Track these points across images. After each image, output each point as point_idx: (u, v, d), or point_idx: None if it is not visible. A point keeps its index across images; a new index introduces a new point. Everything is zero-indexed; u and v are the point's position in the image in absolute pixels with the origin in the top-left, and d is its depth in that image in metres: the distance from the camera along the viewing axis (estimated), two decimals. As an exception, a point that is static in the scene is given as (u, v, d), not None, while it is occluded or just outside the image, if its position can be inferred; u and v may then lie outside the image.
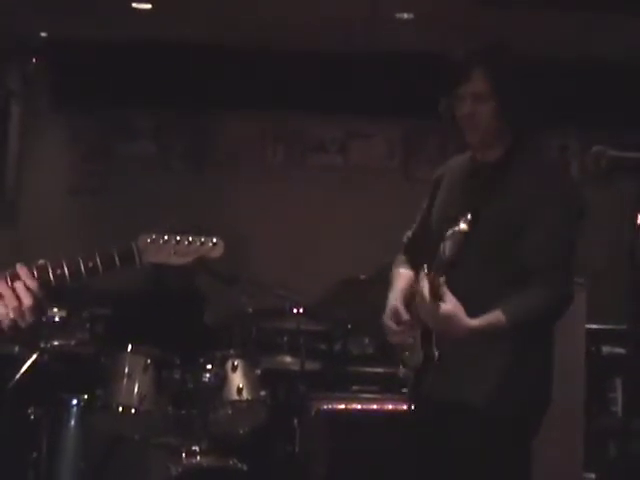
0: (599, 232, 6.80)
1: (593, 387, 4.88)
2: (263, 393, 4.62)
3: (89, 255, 2.34)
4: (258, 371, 4.69)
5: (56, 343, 5.03)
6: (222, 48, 6.55)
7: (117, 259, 2.33)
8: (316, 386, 5.05)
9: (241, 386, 4.55)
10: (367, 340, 5.71)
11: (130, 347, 4.59)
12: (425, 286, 2.65)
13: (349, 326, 5.64)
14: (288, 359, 5.36)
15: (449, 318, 2.64)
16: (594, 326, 5.17)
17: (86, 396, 4.67)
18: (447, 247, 2.55)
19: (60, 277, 2.36)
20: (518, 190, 2.87)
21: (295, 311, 5.15)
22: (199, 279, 5.62)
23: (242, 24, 6.06)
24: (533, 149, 2.99)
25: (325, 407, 4.66)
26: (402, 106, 6.32)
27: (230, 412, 4.55)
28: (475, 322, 2.68)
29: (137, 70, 6.79)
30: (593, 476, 4.94)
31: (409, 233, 3.30)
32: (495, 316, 2.71)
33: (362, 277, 5.55)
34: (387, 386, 5.12)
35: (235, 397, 4.55)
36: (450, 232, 2.56)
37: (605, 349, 5.55)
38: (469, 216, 2.52)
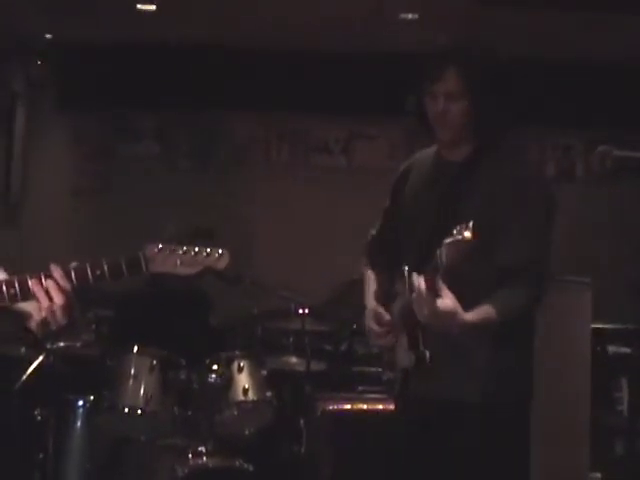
0: (604, 232, 6.83)
1: (599, 386, 4.88)
2: (269, 394, 4.62)
3: (97, 262, 2.37)
4: (264, 372, 4.69)
5: (62, 344, 5.01)
6: (226, 49, 6.56)
7: (125, 268, 2.36)
8: (322, 386, 5.05)
9: (247, 387, 4.55)
10: (372, 340, 5.70)
11: (136, 348, 4.58)
12: (421, 283, 2.64)
13: (354, 326, 5.64)
14: (294, 360, 5.34)
15: (449, 313, 2.63)
16: (599, 325, 5.17)
17: (92, 397, 4.67)
18: (444, 254, 2.53)
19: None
20: (488, 190, 2.88)
21: (300, 312, 5.17)
22: (204, 280, 5.62)
23: (246, 25, 6.07)
24: (504, 148, 2.98)
25: (331, 407, 4.67)
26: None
27: (236, 413, 4.55)
28: (471, 316, 2.69)
29: (141, 71, 6.81)
30: (599, 475, 4.94)
31: (373, 231, 3.31)
32: (486, 311, 2.72)
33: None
34: (393, 386, 5.14)
35: (241, 398, 4.55)
36: (449, 240, 2.52)
37: (611, 348, 5.55)
38: (471, 224, 2.49)
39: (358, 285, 5.64)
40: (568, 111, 6.52)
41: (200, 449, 4.47)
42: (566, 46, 5.97)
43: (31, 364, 4.75)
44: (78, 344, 5.26)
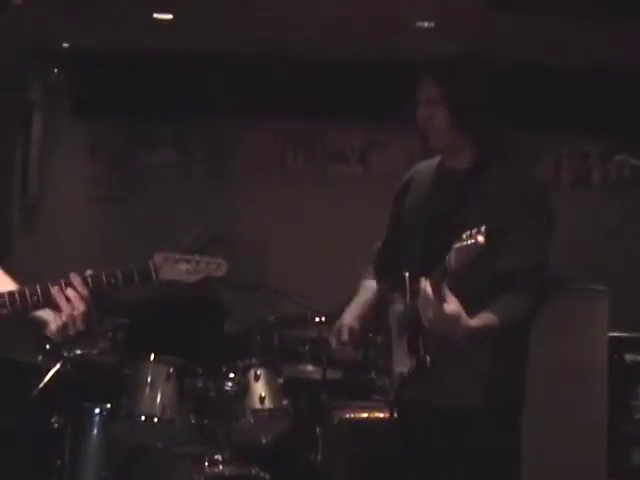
0: (621, 240, 6.80)
1: (616, 395, 4.87)
2: (285, 402, 4.63)
3: (111, 271, 2.48)
4: (280, 380, 4.70)
5: (78, 352, 5.02)
6: (242, 56, 6.56)
7: (136, 276, 2.47)
8: (338, 395, 5.05)
9: (263, 395, 4.57)
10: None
11: (153, 356, 4.61)
12: (427, 287, 2.67)
13: (370, 334, 5.64)
14: (310, 368, 5.34)
15: (454, 318, 2.66)
16: (617, 334, 5.16)
17: (109, 405, 4.68)
18: (453, 258, 2.56)
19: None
20: (489, 196, 2.90)
21: (317, 319, 5.17)
22: (220, 288, 5.64)
23: (262, 33, 6.08)
24: (504, 156, 3.00)
25: (348, 416, 4.68)
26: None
27: (252, 421, 4.56)
28: (475, 322, 2.71)
29: (157, 79, 6.82)
30: (616, 483, 4.92)
31: (379, 243, 3.34)
32: (488, 317, 2.74)
33: (383, 285, 5.57)
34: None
35: (257, 406, 4.56)
36: (459, 245, 2.55)
37: (628, 357, 5.53)
38: (483, 229, 2.51)
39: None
40: (584, 118, 6.50)
41: (216, 457, 4.47)
42: (583, 52, 5.95)
43: (48, 372, 4.75)
44: (94, 352, 5.29)
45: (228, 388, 4.61)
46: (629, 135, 6.30)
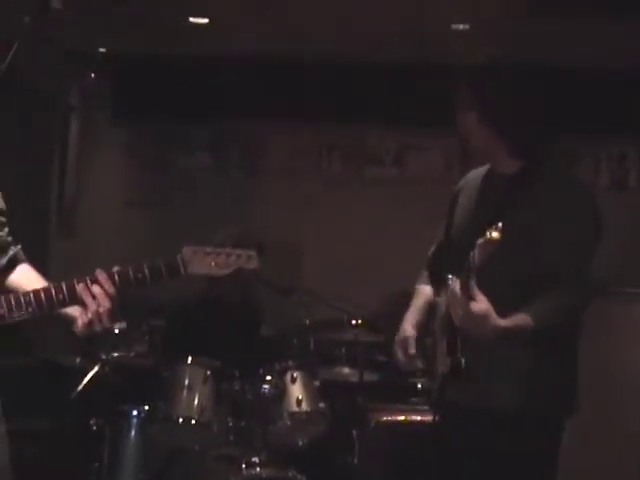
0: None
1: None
2: (322, 405, 4.64)
3: (138, 266, 2.48)
4: (317, 382, 4.71)
5: (116, 355, 5.07)
6: (277, 61, 6.59)
7: (164, 270, 2.46)
8: (374, 397, 5.06)
9: (300, 398, 4.58)
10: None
11: (190, 359, 4.63)
12: (456, 286, 2.70)
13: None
14: (346, 370, 5.36)
15: (482, 317, 2.66)
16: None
17: (147, 407, 4.72)
18: (477, 255, 2.60)
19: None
20: (535, 200, 2.92)
21: (353, 322, 5.19)
22: (256, 291, 5.66)
23: (296, 38, 6.10)
24: (551, 161, 3.03)
25: (385, 419, 4.70)
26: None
27: (289, 423, 4.57)
28: (505, 322, 2.71)
29: (193, 83, 6.85)
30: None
31: (433, 248, 3.38)
32: (522, 318, 2.73)
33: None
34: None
35: (294, 409, 4.57)
36: (481, 240, 2.59)
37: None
38: (500, 225, 2.55)
39: (409, 297, 5.65)
40: (622, 120, 6.46)
41: (254, 459, 4.50)
42: (618, 54, 5.92)
43: (87, 374, 4.83)
44: (132, 354, 5.33)
45: (265, 391, 4.61)
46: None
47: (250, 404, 4.63)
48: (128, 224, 7.11)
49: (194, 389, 4.54)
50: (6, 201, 2.70)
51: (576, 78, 6.29)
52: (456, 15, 5.61)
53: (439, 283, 3.20)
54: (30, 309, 2.44)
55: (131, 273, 2.47)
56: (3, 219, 2.70)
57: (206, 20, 5.94)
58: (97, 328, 2.46)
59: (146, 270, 2.46)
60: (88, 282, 2.45)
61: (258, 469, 4.47)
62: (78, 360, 5.16)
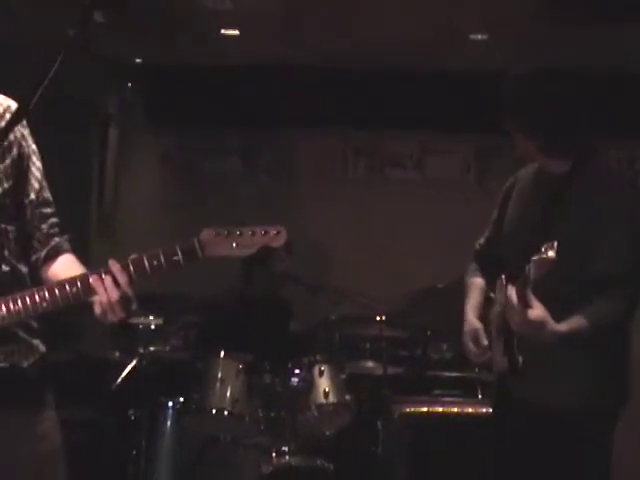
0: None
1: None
2: (348, 397, 4.70)
3: (153, 253, 2.35)
4: (343, 376, 4.78)
5: (152, 349, 5.23)
6: (305, 68, 6.61)
7: (180, 255, 2.34)
8: (398, 390, 5.08)
9: (327, 390, 4.65)
10: (446, 346, 5.74)
11: (223, 353, 4.72)
12: (512, 294, 2.73)
13: (428, 332, 5.71)
14: (371, 364, 5.44)
15: (539, 323, 2.69)
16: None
17: (182, 399, 4.81)
18: (532, 270, 2.62)
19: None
20: (585, 202, 2.93)
21: (377, 318, 5.27)
22: (285, 288, 5.81)
23: (323, 46, 6.15)
24: (600, 163, 3.05)
25: (408, 410, 4.70)
26: (477, 122, 6.11)
27: (317, 414, 4.65)
28: (562, 327, 2.74)
29: (225, 91, 6.91)
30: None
31: (481, 240, 3.38)
32: (578, 321, 2.77)
33: (440, 286, 5.67)
34: (466, 390, 5.18)
35: (322, 400, 4.64)
36: (536, 258, 2.61)
37: None
38: (555, 244, 2.58)
39: (431, 293, 5.76)
40: (632, 122, 6.40)
41: (283, 448, 4.61)
42: (628, 57, 5.88)
43: (125, 367, 4.96)
44: (167, 349, 5.50)
45: (294, 383, 4.71)
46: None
47: (280, 396, 4.73)
48: (163, 225, 7.12)
49: (227, 382, 4.63)
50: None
51: (587, 81, 6.27)
52: (474, 25, 5.62)
53: (490, 277, 3.22)
54: (44, 304, 2.38)
55: (146, 261, 2.35)
56: (48, 210, 2.59)
57: (237, 32, 6.00)
58: (112, 318, 2.38)
59: (161, 256, 2.34)
60: (101, 273, 2.37)
61: (287, 457, 4.57)
62: (117, 354, 5.32)
